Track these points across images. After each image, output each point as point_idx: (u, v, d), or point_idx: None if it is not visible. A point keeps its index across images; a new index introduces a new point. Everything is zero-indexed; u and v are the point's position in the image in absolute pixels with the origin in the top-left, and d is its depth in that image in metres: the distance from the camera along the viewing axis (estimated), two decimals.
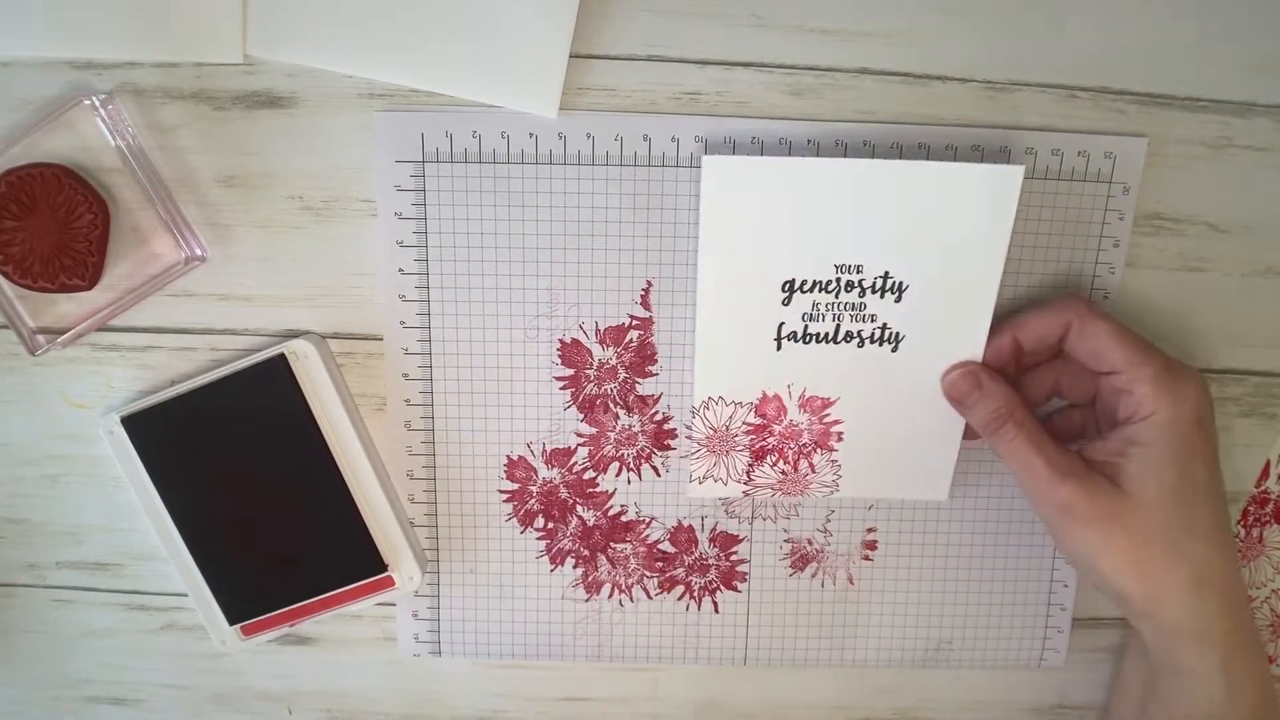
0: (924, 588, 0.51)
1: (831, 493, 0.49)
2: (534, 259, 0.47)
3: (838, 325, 0.45)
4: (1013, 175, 0.42)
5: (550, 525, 0.50)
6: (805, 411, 0.47)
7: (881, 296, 0.45)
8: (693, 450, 0.48)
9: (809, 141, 0.45)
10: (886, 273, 0.44)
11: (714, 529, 0.50)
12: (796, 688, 0.53)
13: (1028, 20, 0.44)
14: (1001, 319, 0.45)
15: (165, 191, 0.45)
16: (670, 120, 0.45)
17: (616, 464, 0.49)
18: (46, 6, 0.43)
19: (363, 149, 0.45)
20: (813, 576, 0.51)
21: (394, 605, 0.51)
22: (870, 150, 0.45)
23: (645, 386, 0.48)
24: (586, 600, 0.51)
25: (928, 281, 0.44)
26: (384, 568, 0.48)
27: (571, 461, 0.49)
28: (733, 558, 0.51)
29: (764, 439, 0.48)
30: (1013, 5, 0.44)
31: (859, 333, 0.45)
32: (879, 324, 0.45)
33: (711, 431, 0.47)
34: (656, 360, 0.48)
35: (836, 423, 0.47)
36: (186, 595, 0.49)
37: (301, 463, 0.47)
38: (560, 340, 0.48)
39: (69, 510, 0.50)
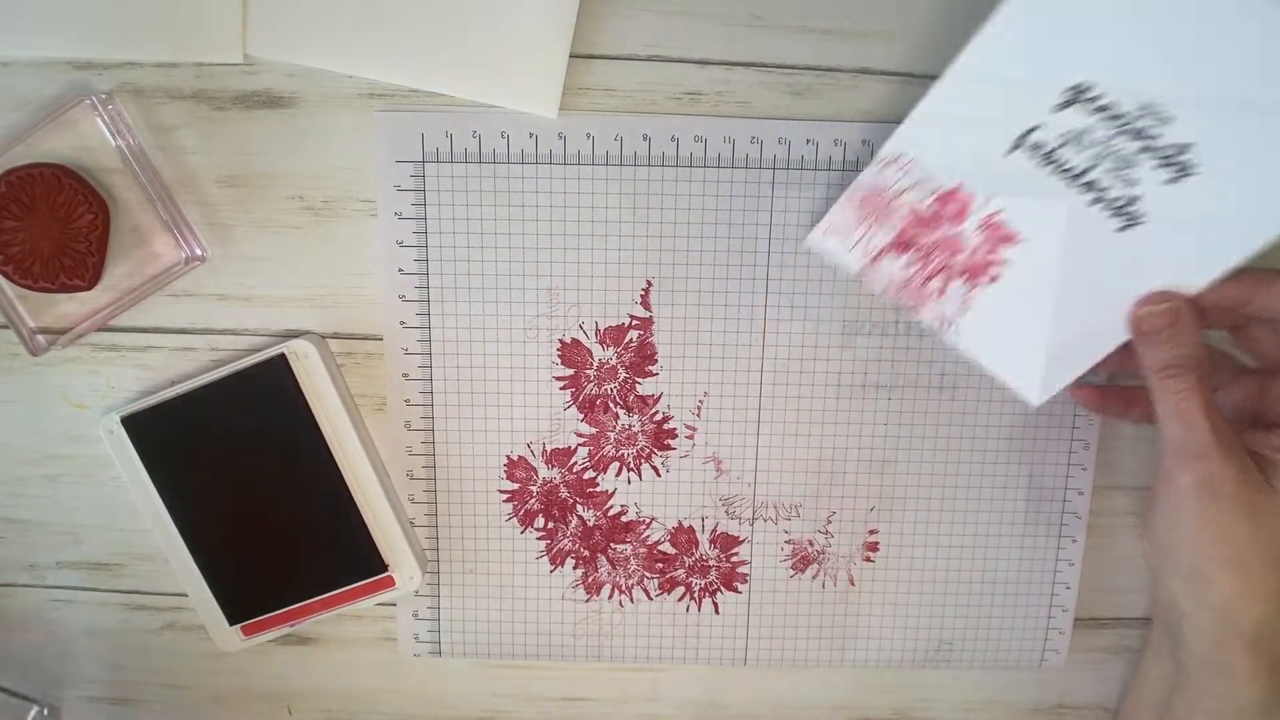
0: (925, 588, 0.51)
1: (941, 328, 0.43)
2: (534, 259, 0.47)
3: (1091, 168, 0.39)
4: None
5: (550, 525, 0.50)
6: (983, 231, 0.41)
7: (1160, 167, 0.38)
8: (846, 195, 0.43)
9: (808, 141, 0.45)
10: (1189, 145, 0.37)
11: (714, 530, 0.50)
12: (797, 688, 0.53)
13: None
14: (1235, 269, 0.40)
15: (165, 191, 0.45)
16: (670, 120, 0.45)
17: (616, 464, 0.49)
18: (46, 6, 0.43)
19: (363, 149, 0.45)
20: (814, 578, 0.51)
21: (394, 605, 0.51)
22: (870, 150, 0.45)
23: (645, 386, 0.48)
24: (586, 601, 0.51)
25: (1221, 181, 0.37)
26: (384, 568, 0.48)
27: (571, 461, 0.49)
28: (733, 559, 0.51)
29: (921, 231, 0.41)
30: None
31: (1103, 189, 0.39)
32: (1132, 194, 0.39)
33: (875, 190, 0.42)
34: (656, 360, 0.48)
35: (1003, 263, 0.41)
36: (186, 595, 0.49)
37: (301, 463, 0.47)
38: (560, 340, 0.48)
39: (69, 510, 0.50)
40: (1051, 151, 0.39)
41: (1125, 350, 0.42)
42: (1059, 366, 0.43)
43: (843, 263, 0.44)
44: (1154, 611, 0.44)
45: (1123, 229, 0.39)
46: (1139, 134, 0.38)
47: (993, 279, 0.42)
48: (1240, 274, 0.40)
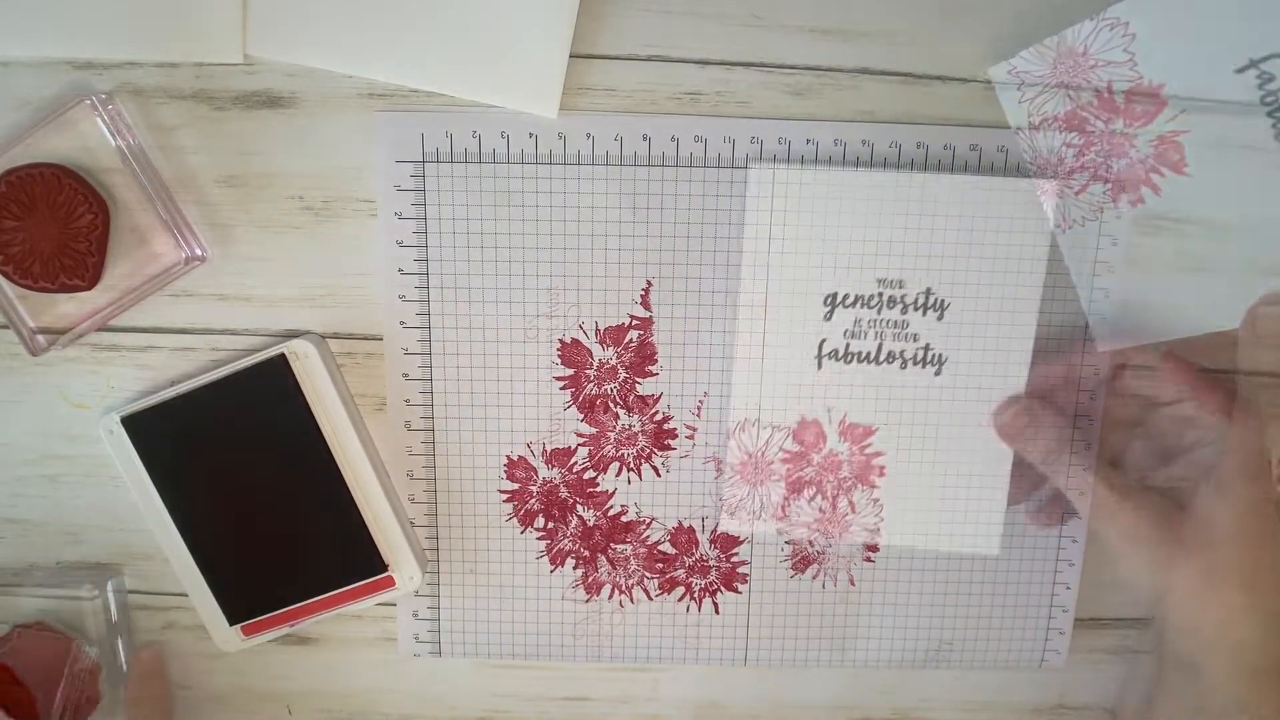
0: (925, 589, 0.51)
1: (873, 538, 0.48)
2: (534, 259, 0.47)
3: (880, 344, 0.45)
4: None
5: (550, 525, 0.50)
6: (845, 440, 0.46)
7: (924, 314, 0.44)
8: (727, 477, 0.48)
9: (809, 141, 0.45)
10: (929, 289, 0.44)
11: (714, 530, 0.50)
12: (797, 688, 0.53)
13: (1028, 20, 0.44)
14: (1045, 351, 0.45)
15: (165, 191, 0.45)
16: (670, 120, 0.45)
17: (616, 464, 0.49)
18: (46, 6, 0.43)
19: (363, 149, 0.45)
20: (814, 578, 0.51)
21: (394, 605, 0.51)
22: (870, 149, 0.45)
23: (645, 386, 0.48)
24: (587, 601, 0.51)
25: (969, 298, 0.44)
26: (384, 568, 0.48)
27: (571, 461, 0.49)
28: (733, 559, 0.51)
29: (801, 469, 0.47)
30: (1013, 5, 0.44)
31: (901, 353, 0.45)
32: (922, 344, 0.45)
33: (747, 457, 0.47)
34: (656, 360, 0.48)
35: (878, 455, 0.47)
36: (186, 595, 0.49)
37: (301, 463, 0.47)
38: (560, 340, 0.48)
39: (69, 510, 0.50)
40: (846, 349, 0.45)
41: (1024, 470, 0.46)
42: (986, 509, 0.47)
43: (759, 532, 0.48)
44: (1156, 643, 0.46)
45: (938, 372, 0.45)
46: (893, 301, 0.44)
47: (881, 472, 0.47)
48: (1050, 357, 0.45)
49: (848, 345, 0.45)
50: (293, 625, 0.49)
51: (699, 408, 0.49)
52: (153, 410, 0.46)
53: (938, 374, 0.45)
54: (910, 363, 0.45)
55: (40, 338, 0.46)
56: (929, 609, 0.51)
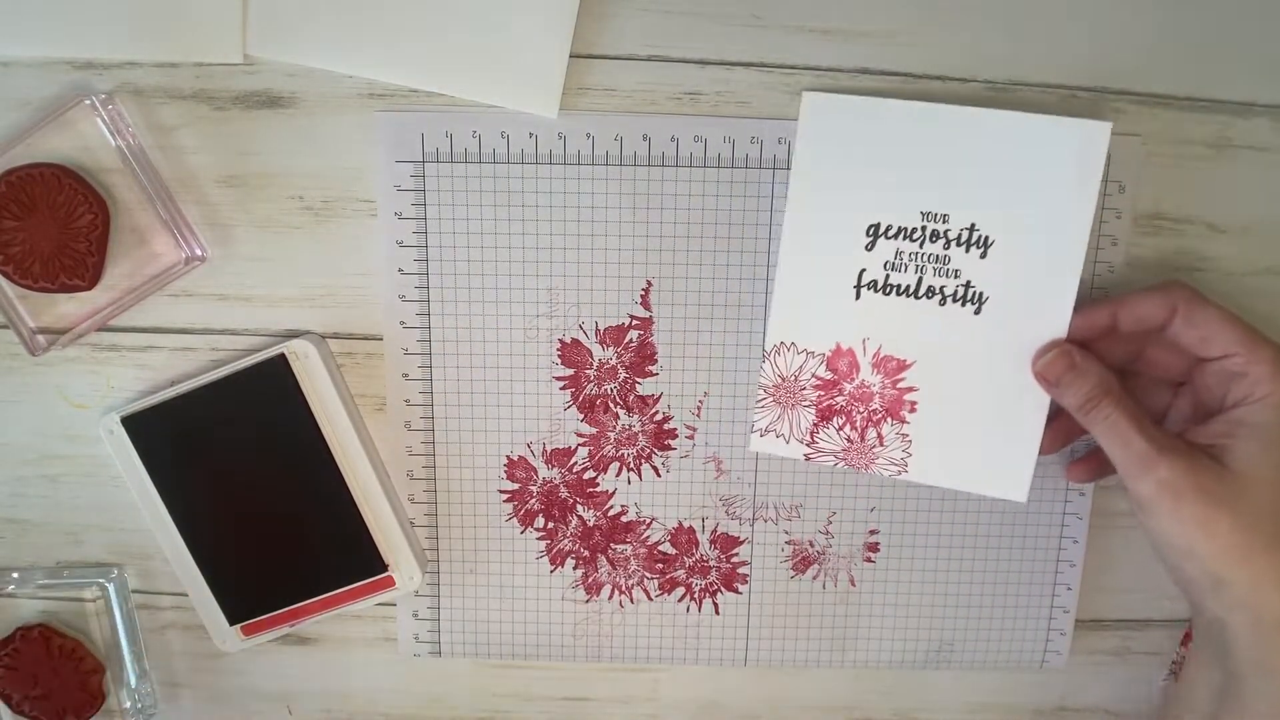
0: (926, 589, 0.51)
1: (899, 473, 0.47)
2: (534, 259, 0.47)
3: (920, 278, 0.44)
4: (1100, 131, 0.42)
5: (550, 525, 0.50)
6: (879, 372, 0.45)
7: (967, 250, 0.43)
8: (759, 399, 0.47)
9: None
10: (973, 225, 0.43)
11: (714, 530, 0.50)
12: (797, 689, 0.53)
13: (1028, 20, 0.44)
14: (1093, 299, 0.45)
15: (165, 191, 0.45)
16: (670, 120, 0.45)
17: (616, 464, 0.49)
18: (46, 6, 0.43)
19: (363, 149, 0.45)
20: (814, 578, 0.51)
21: (394, 605, 0.51)
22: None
23: (645, 386, 0.48)
24: (587, 601, 0.51)
25: (1014, 238, 0.43)
26: (384, 568, 0.48)
27: (571, 461, 0.49)
28: (733, 559, 0.51)
29: (832, 397, 0.46)
30: (1013, 5, 0.44)
31: (941, 289, 0.44)
32: (963, 281, 0.44)
33: (780, 380, 0.46)
34: (656, 360, 0.48)
35: (911, 390, 0.45)
36: (186, 595, 0.49)
37: (301, 463, 0.47)
38: (560, 340, 0.48)
39: (69, 510, 0.50)
40: (885, 281, 0.44)
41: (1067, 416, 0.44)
42: (1017, 454, 0.46)
43: (789, 454, 0.47)
44: (1196, 627, 0.45)
45: (978, 311, 0.44)
46: (935, 235, 0.44)
47: (913, 408, 0.46)
48: (1096, 304, 0.44)
49: (887, 277, 0.44)
50: (293, 625, 0.49)
51: (699, 408, 0.49)
52: (153, 410, 0.46)
53: (977, 312, 0.44)
54: (950, 299, 0.44)
55: (40, 338, 0.46)
56: (929, 609, 0.51)
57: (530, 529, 0.50)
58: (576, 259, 0.47)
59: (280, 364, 0.46)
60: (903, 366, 0.45)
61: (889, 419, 0.46)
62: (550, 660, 0.52)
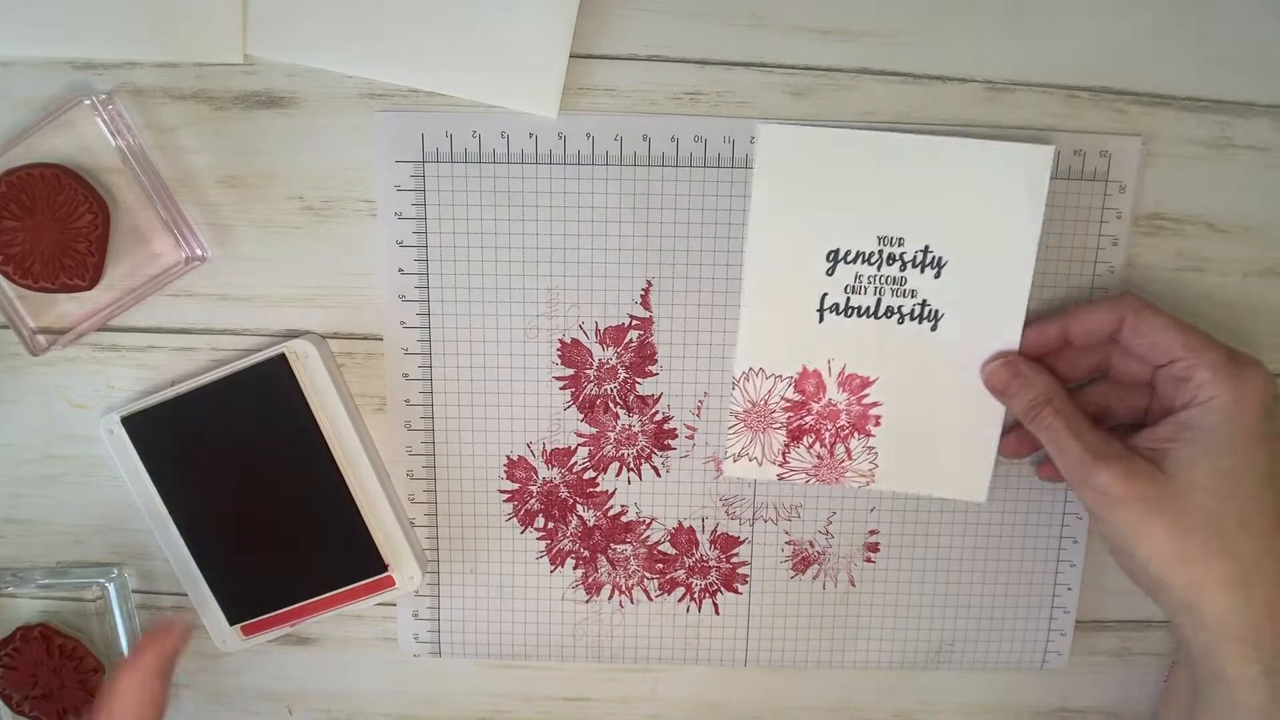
0: (926, 589, 0.51)
1: (867, 484, 0.49)
2: (534, 259, 0.47)
3: (879, 299, 0.46)
4: (1044, 155, 0.44)
5: (550, 525, 0.50)
6: (844, 390, 0.47)
7: (922, 271, 0.45)
8: (730, 425, 0.48)
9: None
10: (927, 247, 0.45)
11: (714, 530, 0.50)
12: (797, 689, 0.53)
13: (1028, 20, 0.44)
14: (1046, 313, 0.46)
15: (165, 191, 0.45)
16: (670, 120, 0.45)
17: (616, 464, 0.49)
18: (46, 6, 0.43)
19: (363, 149, 0.45)
20: (814, 578, 0.51)
21: (394, 605, 0.51)
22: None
23: (645, 386, 0.48)
24: (587, 601, 0.51)
25: (966, 258, 0.45)
26: (384, 568, 0.48)
27: (571, 461, 0.49)
28: (733, 560, 0.51)
29: (801, 417, 0.48)
30: (1013, 5, 0.44)
31: (899, 308, 0.46)
32: (919, 300, 0.46)
33: (750, 405, 0.48)
34: (656, 360, 0.48)
35: (875, 405, 0.47)
36: (186, 595, 0.49)
37: (301, 463, 0.47)
38: (560, 340, 0.48)
39: (69, 510, 0.50)
40: (846, 304, 0.46)
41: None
42: (976, 458, 0.48)
43: (762, 476, 0.49)
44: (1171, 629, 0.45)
45: (934, 328, 0.46)
46: (892, 258, 0.45)
47: (877, 421, 0.48)
48: (1047, 319, 0.45)
49: (848, 300, 0.46)
50: (293, 625, 0.49)
51: (699, 408, 0.49)
52: (153, 410, 0.46)
53: (934, 329, 0.46)
54: (908, 318, 0.46)
55: (40, 338, 0.46)
56: (929, 610, 0.51)
57: (530, 529, 0.50)
58: (576, 259, 0.47)
59: (280, 364, 0.46)
60: (866, 383, 0.47)
61: (856, 433, 0.48)
62: (550, 660, 0.52)
